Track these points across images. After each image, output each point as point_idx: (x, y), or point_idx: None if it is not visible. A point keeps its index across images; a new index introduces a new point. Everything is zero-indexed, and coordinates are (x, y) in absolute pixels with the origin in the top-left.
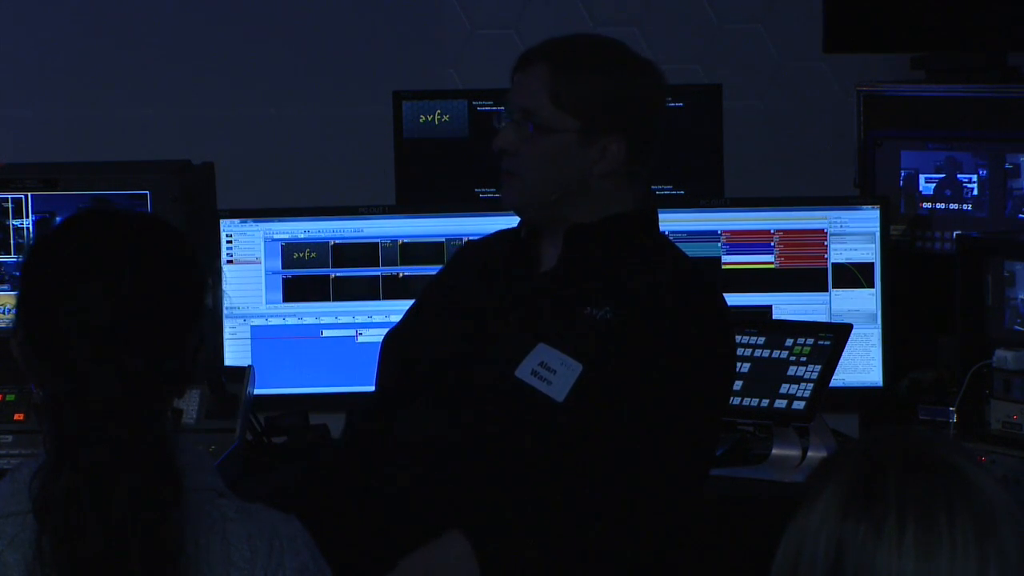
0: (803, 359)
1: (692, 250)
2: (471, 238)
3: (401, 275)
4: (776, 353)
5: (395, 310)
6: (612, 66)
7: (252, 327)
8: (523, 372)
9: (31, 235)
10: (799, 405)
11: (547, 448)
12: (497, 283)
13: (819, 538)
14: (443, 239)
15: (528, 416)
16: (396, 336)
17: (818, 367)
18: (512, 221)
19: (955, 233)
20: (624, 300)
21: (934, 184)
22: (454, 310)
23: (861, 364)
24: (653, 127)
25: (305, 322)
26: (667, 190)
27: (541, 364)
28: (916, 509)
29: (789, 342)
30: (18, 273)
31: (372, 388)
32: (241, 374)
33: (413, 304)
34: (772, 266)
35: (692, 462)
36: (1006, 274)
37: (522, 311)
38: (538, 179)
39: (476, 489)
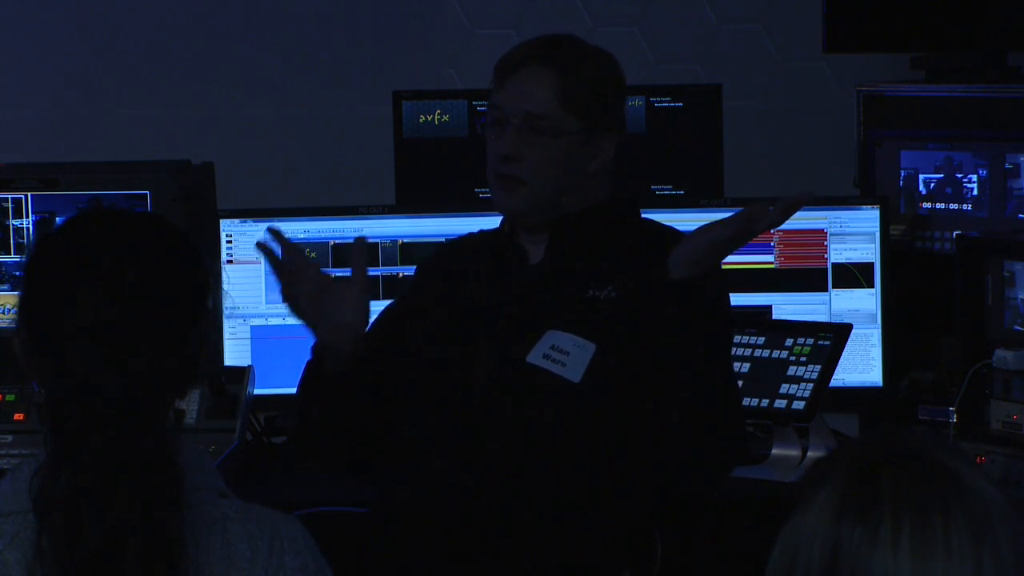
0: (803, 359)
1: None
2: (448, 238)
3: (401, 275)
4: (776, 353)
5: None
6: (603, 65)
7: (252, 327)
8: (534, 357)
9: (31, 235)
10: (799, 405)
11: (569, 430)
12: (486, 282)
13: (814, 540)
14: (443, 239)
15: (545, 400)
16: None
17: (818, 367)
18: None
19: (955, 233)
20: (626, 278)
21: (934, 184)
22: (446, 313)
23: (861, 364)
24: (626, 122)
25: None
26: (667, 190)
27: (552, 347)
28: (911, 511)
29: (789, 342)
30: (19, 273)
31: None
32: (241, 374)
33: (380, 317)
34: (772, 266)
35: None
36: (1006, 274)
37: (521, 303)
38: (545, 183)
39: (505, 480)
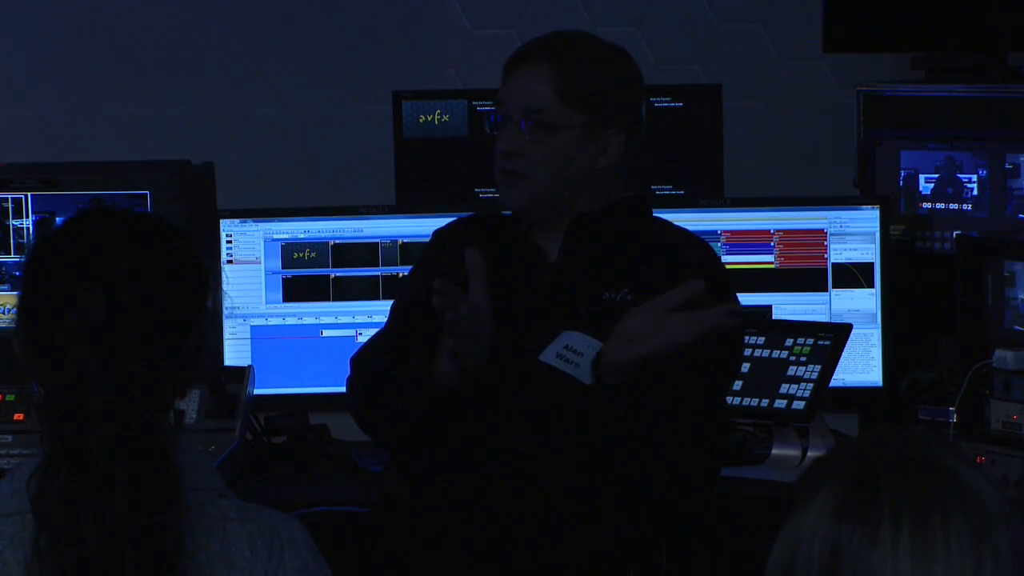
0: (803, 359)
1: None
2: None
3: (401, 275)
4: (776, 353)
5: None
6: (609, 60)
7: (252, 327)
8: (548, 356)
9: (31, 235)
10: (799, 405)
11: (579, 431)
12: (503, 278)
13: (814, 541)
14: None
15: (555, 400)
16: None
17: (818, 367)
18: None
19: (955, 233)
20: (641, 281)
21: (934, 184)
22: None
23: (861, 364)
24: (643, 117)
25: (305, 322)
26: (667, 190)
27: (566, 347)
28: (911, 511)
29: (789, 342)
30: (18, 273)
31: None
32: (241, 374)
33: (394, 316)
34: (772, 266)
35: (724, 418)
36: (1006, 274)
37: (538, 302)
38: (547, 178)
39: (512, 479)
